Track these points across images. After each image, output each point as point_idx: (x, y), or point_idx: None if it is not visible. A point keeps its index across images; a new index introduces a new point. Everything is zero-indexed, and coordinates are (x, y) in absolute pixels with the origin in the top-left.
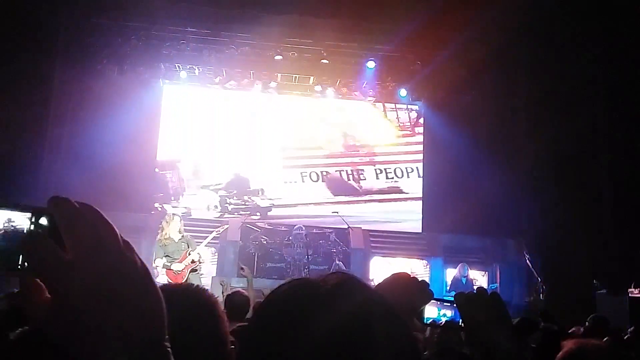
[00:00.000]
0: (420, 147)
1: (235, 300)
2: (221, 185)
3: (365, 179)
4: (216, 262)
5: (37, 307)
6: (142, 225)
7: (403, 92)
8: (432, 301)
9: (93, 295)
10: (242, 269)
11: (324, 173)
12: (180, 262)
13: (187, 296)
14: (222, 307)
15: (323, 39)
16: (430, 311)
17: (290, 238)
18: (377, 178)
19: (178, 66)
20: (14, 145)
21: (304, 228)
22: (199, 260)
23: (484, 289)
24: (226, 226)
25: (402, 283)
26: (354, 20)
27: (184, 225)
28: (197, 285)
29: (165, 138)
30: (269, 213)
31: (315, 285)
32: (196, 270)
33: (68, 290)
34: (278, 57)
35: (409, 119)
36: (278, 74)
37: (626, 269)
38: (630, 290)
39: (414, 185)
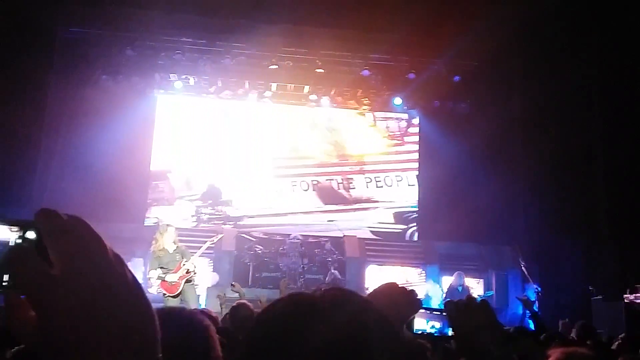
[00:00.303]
0: (410, 156)
1: (240, 314)
2: (197, 195)
3: (354, 188)
4: (211, 273)
5: (23, 326)
6: (136, 235)
7: (398, 100)
8: (422, 312)
9: (80, 312)
10: (232, 285)
11: (314, 182)
12: (175, 272)
13: (180, 320)
14: (215, 332)
15: (318, 48)
16: (419, 323)
17: (285, 247)
18: (367, 187)
19: (173, 76)
20: (8, 155)
21: (299, 237)
22: (193, 271)
23: (473, 296)
24: (220, 235)
25: (391, 293)
26: (348, 30)
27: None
28: (191, 309)
29: (158, 148)
30: (240, 222)
31: (312, 300)
32: (191, 280)
33: (54, 308)
34: (273, 67)
35: (399, 128)
36: (273, 83)
37: (621, 274)
38: (625, 296)
39: (403, 193)
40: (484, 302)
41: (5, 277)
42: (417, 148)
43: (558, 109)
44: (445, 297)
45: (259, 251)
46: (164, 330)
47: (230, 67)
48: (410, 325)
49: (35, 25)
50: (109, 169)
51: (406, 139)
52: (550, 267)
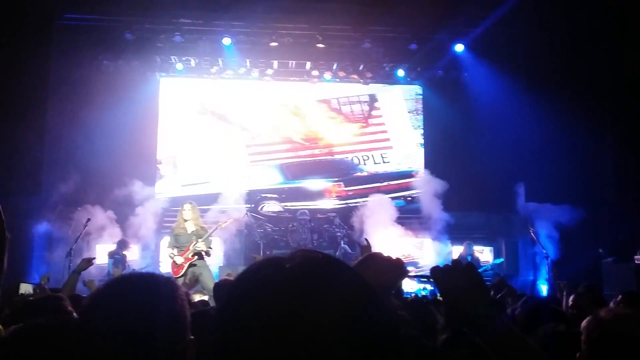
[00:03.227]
0: (373, 137)
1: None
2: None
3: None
4: (222, 252)
5: None
6: (143, 220)
7: (401, 72)
8: (412, 276)
9: None
10: (254, 257)
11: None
12: (182, 255)
13: (145, 285)
14: (182, 297)
15: (318, 23)
16: (411, 285)
17: (295, 224)
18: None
19: (173, 58)
20: (13, 143)
21: (307, 213)
22: (201, 252)
23: (459, 260)
24: (231, 219)
25: (377, 262)
26: (347, 3)
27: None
28: (157, 274)
29: (164, 132)
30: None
31: (280, 264)
32: (195, 264)
33: None
34: (273, 44)
35: (362, 111)
36: (274, 61)
37: (631, 236)
38: (636, 257)
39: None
40: (470, 264)
41: None
42: (382, 128)
43: (563, 70)
44: None
45: (269, 229)
46: (128, 298)
47: (230, 46)
48: (399, 291)
49: (32, 13)
50: (114, 154)
51: (370, 121)
52: (560, 232)
